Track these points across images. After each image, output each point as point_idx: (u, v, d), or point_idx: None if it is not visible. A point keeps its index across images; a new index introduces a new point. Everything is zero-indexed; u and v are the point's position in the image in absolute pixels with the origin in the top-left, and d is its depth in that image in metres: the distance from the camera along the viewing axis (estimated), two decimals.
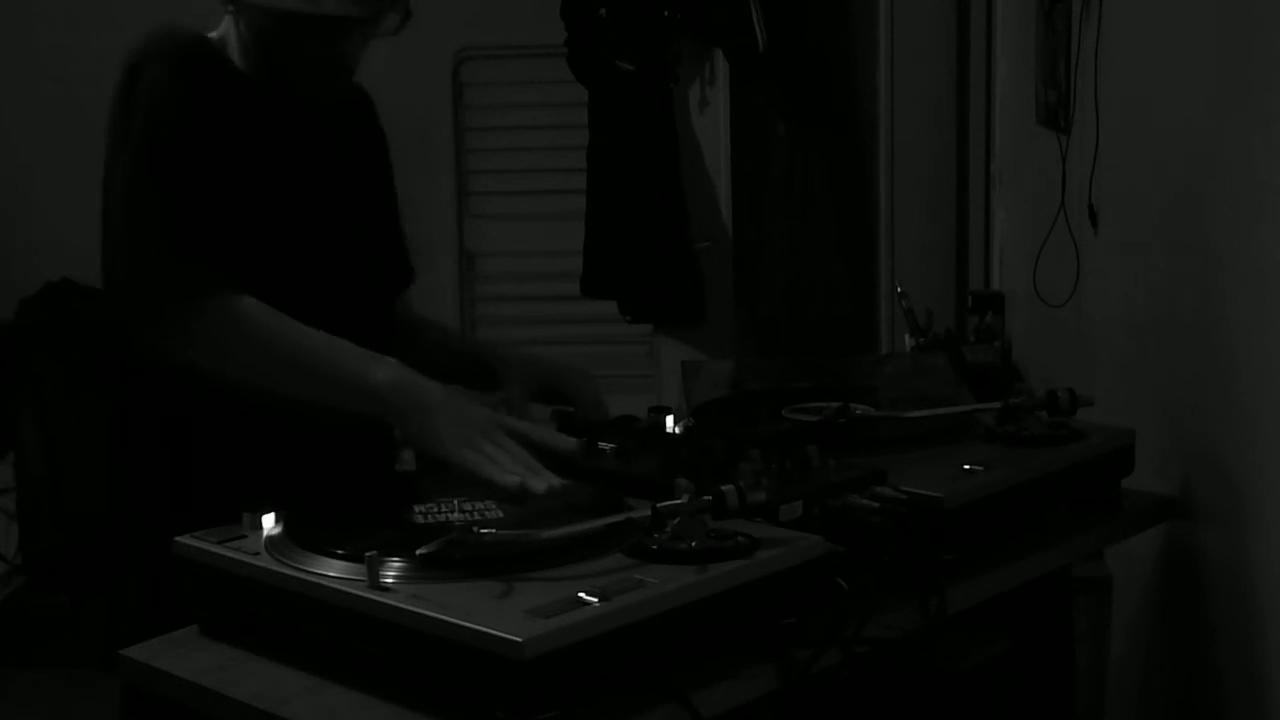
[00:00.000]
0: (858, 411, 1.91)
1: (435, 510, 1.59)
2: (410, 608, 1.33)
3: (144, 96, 1.80)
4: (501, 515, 1.57)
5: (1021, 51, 3.53)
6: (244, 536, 1.55)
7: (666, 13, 4.20)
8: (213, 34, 1.91)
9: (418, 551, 1.41)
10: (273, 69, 1.87)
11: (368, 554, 1.39)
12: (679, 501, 1.45)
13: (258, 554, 1.51)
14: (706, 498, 1.45)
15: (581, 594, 1.33)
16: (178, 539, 1.58)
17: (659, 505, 1.45)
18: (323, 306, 1.82)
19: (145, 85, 1.80)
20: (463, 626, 1.29)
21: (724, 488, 1.46)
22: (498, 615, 1.30)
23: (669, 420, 1.89)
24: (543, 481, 1.59)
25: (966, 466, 1.75)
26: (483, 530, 1.44)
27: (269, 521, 1.56)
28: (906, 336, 3.69)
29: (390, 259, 2.11)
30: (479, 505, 1.60)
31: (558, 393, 2.00)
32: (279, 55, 1.85)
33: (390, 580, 1.40)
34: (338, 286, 1.92)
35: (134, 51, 1.83)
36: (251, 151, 1.86)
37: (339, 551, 1.46)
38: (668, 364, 4.36)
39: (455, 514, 1.58)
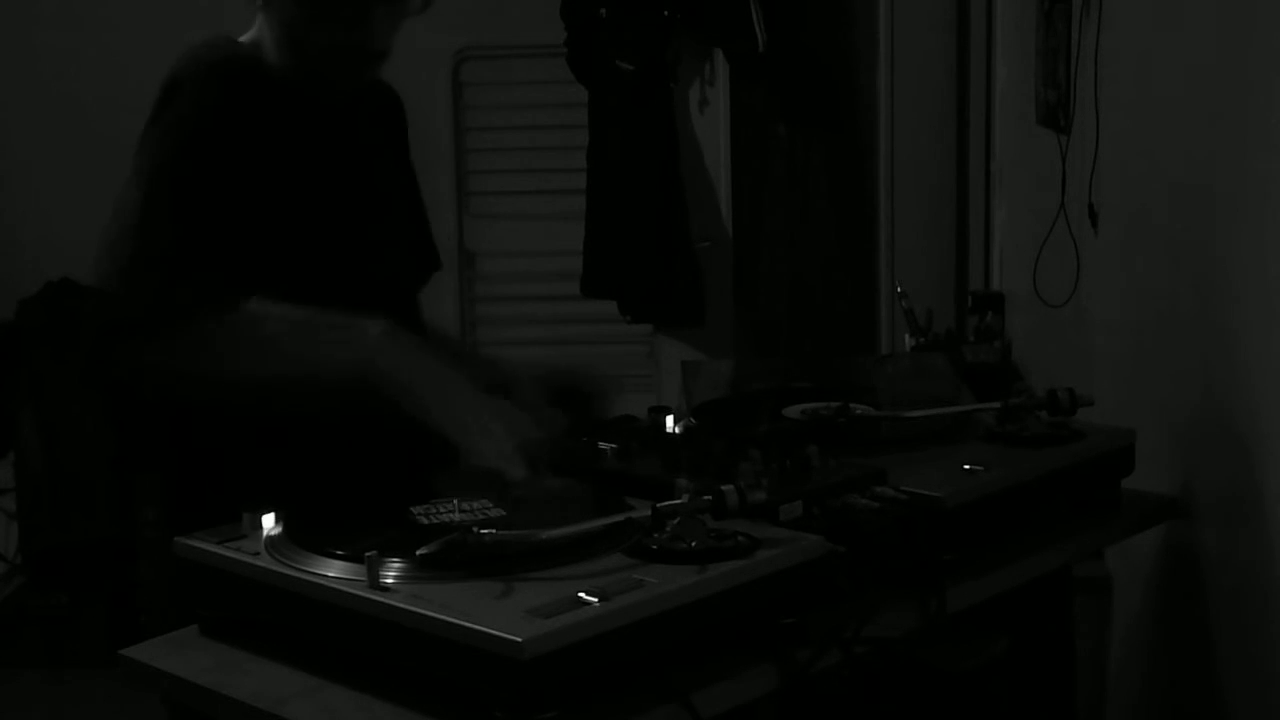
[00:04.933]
0: (858, 411, 1.91)
1: (435, 510, 1.59)
2: (410, 608, 1.33)
3: (173, 115, 1.81)
4: (502, 515, 1.57)
5: (1021, 52, 3.53)
6: (244, 536, 1.55)
7: (666, 13, 4.20)
8: (245, 37, 1.93)
9: (418, 552, 1.41)
10: (304, 61, 1.88)
11: (368, 554, 1.39)
12: (679, 501, 1.45)
13: (258, 554, 1.51)
14: (706, 498, 1.45)
15: (581, 594, 1.33)
16: (178, 539, 1.58)
17: (659, 505, 1.45)
18: (355, 303, 1.79)
19: (173, 107, 1.81)
20: (463, 626, 1.29)
21: (724, 488, 1.45)
22: (498, 615, 1.30)
23: (669, 420, 1.89)
24: (522, 470, 1.57)
25: (966, 466, 1.75)
26: (483, 530, 1.44)
27: (269, 521, 1.56)
28: (906, 336, 3.69)
29: (418, 248, 2.15)
30: (479, 505, 1.60)
31: (572, 390, 2.00)
32: (309, 45, 1.86)
33: (390, 580, 1.40)
34: (370, 282, 1.93)
35: (173, 70, 1.84)
36: (285, 156, 1.87)
37: (339, 551, 1.46)
38: (668, 364, 4.36)
39: (455, 514, 1.58)
